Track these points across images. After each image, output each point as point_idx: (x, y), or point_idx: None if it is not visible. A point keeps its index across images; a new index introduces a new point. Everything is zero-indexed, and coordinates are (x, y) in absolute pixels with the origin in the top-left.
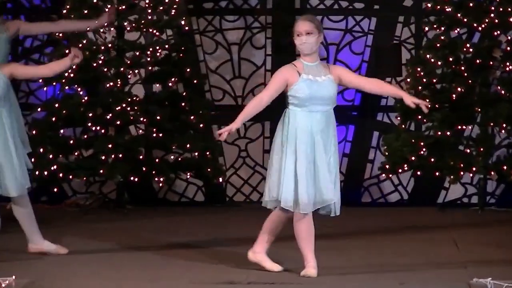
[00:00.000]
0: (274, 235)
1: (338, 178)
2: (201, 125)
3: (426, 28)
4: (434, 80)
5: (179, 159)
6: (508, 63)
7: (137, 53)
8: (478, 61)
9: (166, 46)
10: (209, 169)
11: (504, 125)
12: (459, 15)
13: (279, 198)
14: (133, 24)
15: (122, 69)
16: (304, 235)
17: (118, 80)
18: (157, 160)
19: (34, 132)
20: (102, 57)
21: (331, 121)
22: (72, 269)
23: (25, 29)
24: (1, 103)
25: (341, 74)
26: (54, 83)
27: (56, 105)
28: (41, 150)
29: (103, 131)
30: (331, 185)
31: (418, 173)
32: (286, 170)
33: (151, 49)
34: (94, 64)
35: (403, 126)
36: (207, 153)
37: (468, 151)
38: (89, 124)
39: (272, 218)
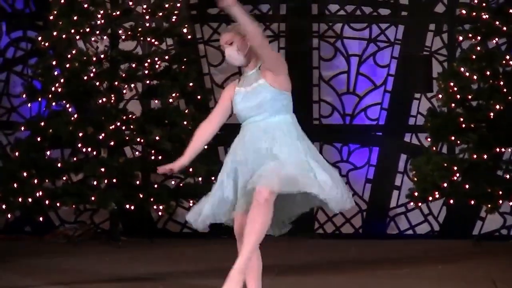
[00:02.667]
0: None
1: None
2: (205, 147)
3: (460, 38)
4: (469, 96)
5: (181, 184)
6: None
7: (133, 65)
8: None
9: (166, 57)
10: None
11: None
12: (497, 23)
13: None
14: (129, 32)
15: (116, 82)
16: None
17: (112, 95)
18: (155, 185)
19: (16, 153)
20: (94, 69)
21: (274, 131)
22: None
23: None
24: None
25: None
26: (39, 99)
27: (42, 123)
28: (25, 174)
29: (94, 152)
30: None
31: (451, 201)
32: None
33: (149, 60)
34: (85, 77)
35: (434, 148)
36: (212, 178)
37: (508, 176)
38: (79, 145)
39: None
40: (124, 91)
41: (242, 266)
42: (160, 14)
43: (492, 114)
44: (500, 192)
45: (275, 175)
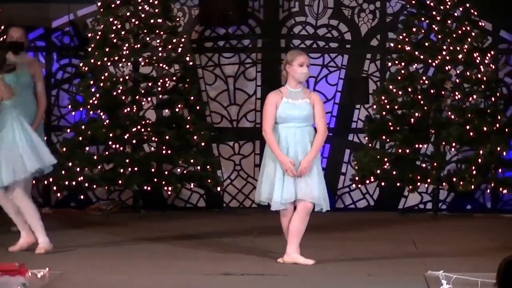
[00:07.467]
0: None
1: (322, 182)
2: (202, 144)
3: (389, 64)
4: (396, 107)
5: (185, 171)
6: (457, 93)
7: (150, 84)
8: (432, 91)
9: (174, 78)
10: (209, 180)
11: (454, 144)
12: (416, 53)
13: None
14: (147, 60)
15: (137, 97)
16: (290, 228)
17: (134, 106)
18: (166, 172)
19: (64, 149)
20: (121, 87)
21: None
22: (95, 262)
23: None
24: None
25: (315, 104)
26: (81, 109)
27: (83, 127)
28: (70, 164)
29: (121, 148)
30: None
31: (383, 183)
32: (268, 174)
33: (161, 80)
34: (114, 93)
35: (370, 145)
36: (208, 167)
37: (424, 165)
38: (110, 143)
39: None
40: (143, 103)
41: None
42: (170, 46)
43: (412, 119)
44: (419, 177)
45: None
